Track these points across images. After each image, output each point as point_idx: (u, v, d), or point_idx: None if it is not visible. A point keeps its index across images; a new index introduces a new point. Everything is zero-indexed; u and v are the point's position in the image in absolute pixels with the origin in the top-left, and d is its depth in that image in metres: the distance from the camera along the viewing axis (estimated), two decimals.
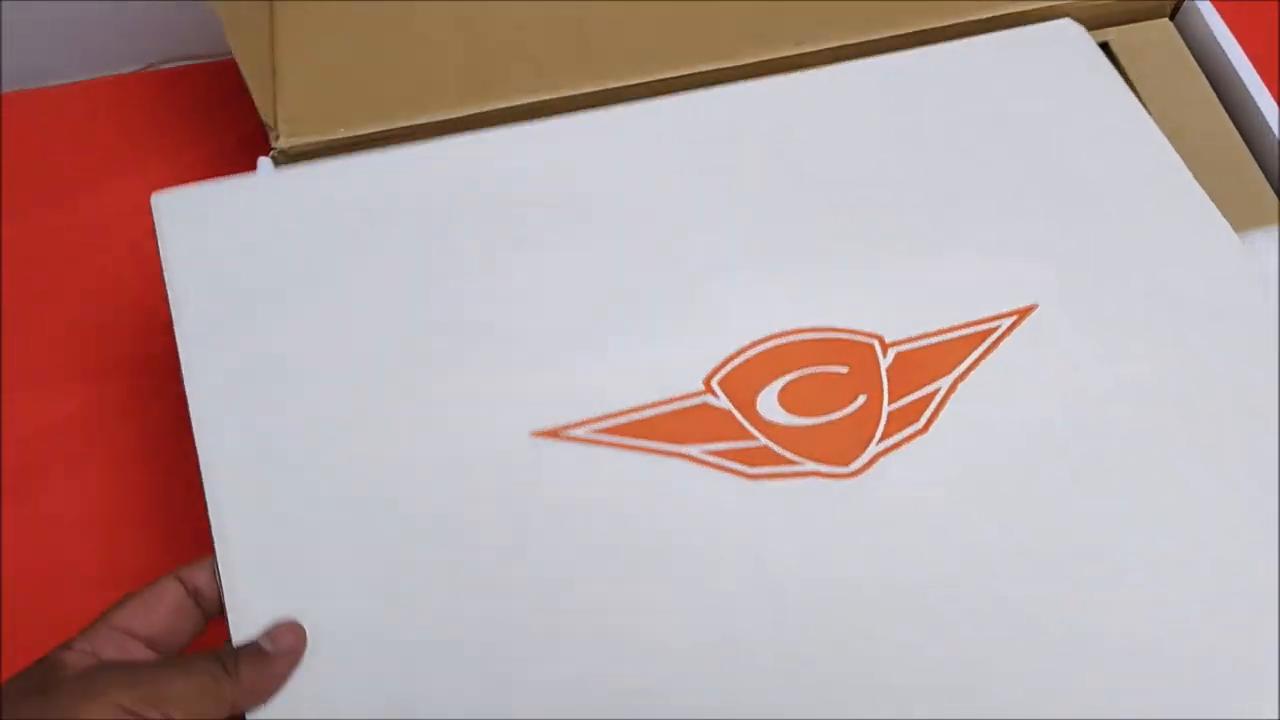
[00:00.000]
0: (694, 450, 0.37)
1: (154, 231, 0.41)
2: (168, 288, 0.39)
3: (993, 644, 0.34)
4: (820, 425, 0.38)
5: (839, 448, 0.38)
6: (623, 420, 0.38)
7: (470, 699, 0.33)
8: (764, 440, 0.38)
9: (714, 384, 0.39)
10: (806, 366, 0.40)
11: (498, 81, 0.48)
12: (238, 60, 0.42)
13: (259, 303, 0.39)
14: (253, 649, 0.32)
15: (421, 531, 0.36)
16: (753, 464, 0.37)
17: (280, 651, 0.32)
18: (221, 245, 0.41)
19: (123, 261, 0.48)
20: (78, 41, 0.50)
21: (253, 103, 0.44)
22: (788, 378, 0.39)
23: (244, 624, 0.33)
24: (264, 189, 0.42)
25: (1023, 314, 0.41)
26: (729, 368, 0.39)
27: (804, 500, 0.37)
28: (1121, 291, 0.42)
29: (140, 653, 0.32)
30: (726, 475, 0.37)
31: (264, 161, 0.44)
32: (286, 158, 0.45)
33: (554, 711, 0.33)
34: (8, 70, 0.50)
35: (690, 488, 0.37)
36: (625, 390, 0.38)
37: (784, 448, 0.38)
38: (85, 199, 0.48)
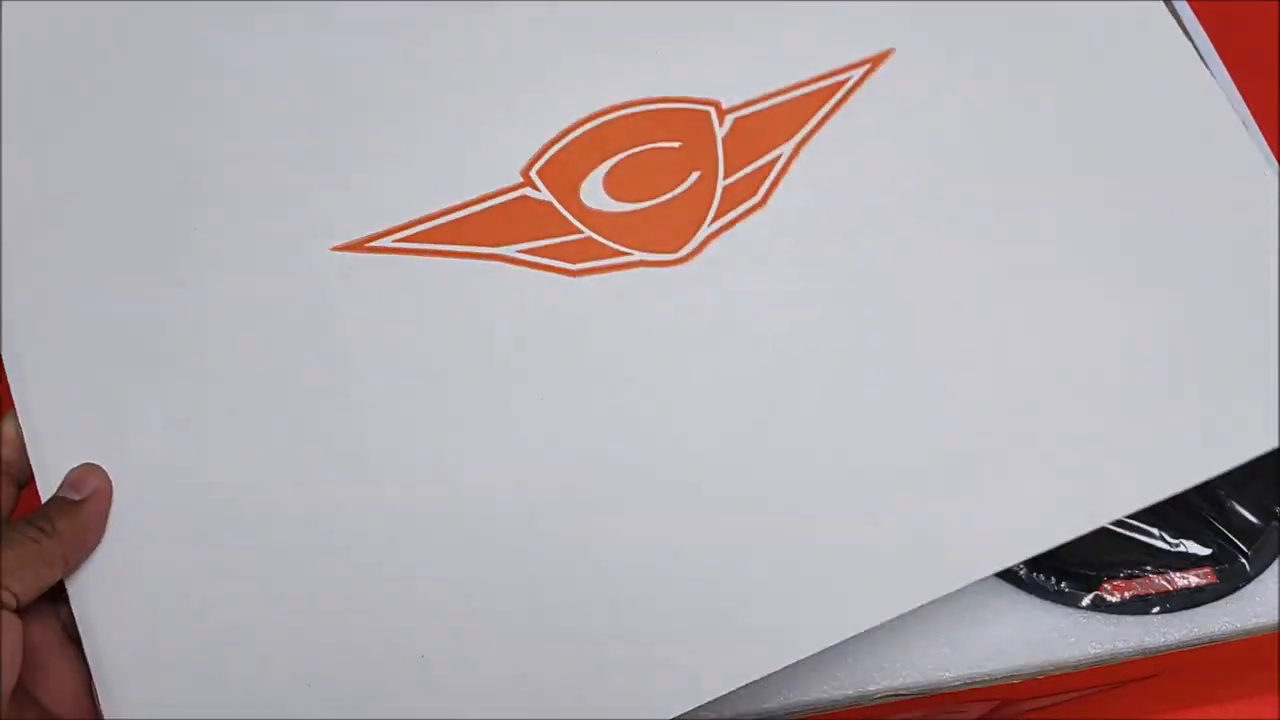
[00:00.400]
0: (511, 250, 0.35)
1: None
2: None
3: (834, 433, 0.33)
4: (648, 209, 0.35)
5: (668, 232, 0.35)
6: (431, 225, 0.35)
7: (290, 527, 0.32)
8: (587, 232, 0.35)
9: (533, 175, 0.35)
10: (635, 145, 0.36)
11: None
12: None
13: (47, 129, 0.35)
14: (59, 502, 0.31)
15: (226, 362, 0.33)
16: (575, 259, 0.35)
17: (87, 495, 0.31)
18: (41, 60, 0.36)
19: None
20: None
21: None
22: (614, 159, 0.36)
23: (54, 480, 0.32)
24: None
25: (876, 62, 0.37)
26: (549, 155, 0.36)
27: (629, 293, 0.34)
28: (990, 30, 0.37)
29: None
30: (547, 274, 0.34)
31: None
32: None
33: (374, 532, 0.32)
34: None
35: (508, 291, 0.34)
36: (433, 190, 0.35)
37: (608, 238, 0.35)
38: None
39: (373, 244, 0.34)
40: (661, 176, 0.36)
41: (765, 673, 0.30)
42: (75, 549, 0.31)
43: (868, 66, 0.37)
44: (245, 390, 0.33)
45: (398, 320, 0.34)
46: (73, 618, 0.31)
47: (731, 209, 0.35)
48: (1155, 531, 0.36)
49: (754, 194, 0.35)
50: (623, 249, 0.35)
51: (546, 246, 0.35)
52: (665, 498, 0.32)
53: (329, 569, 0.32)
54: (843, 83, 0.37)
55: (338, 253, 0.34)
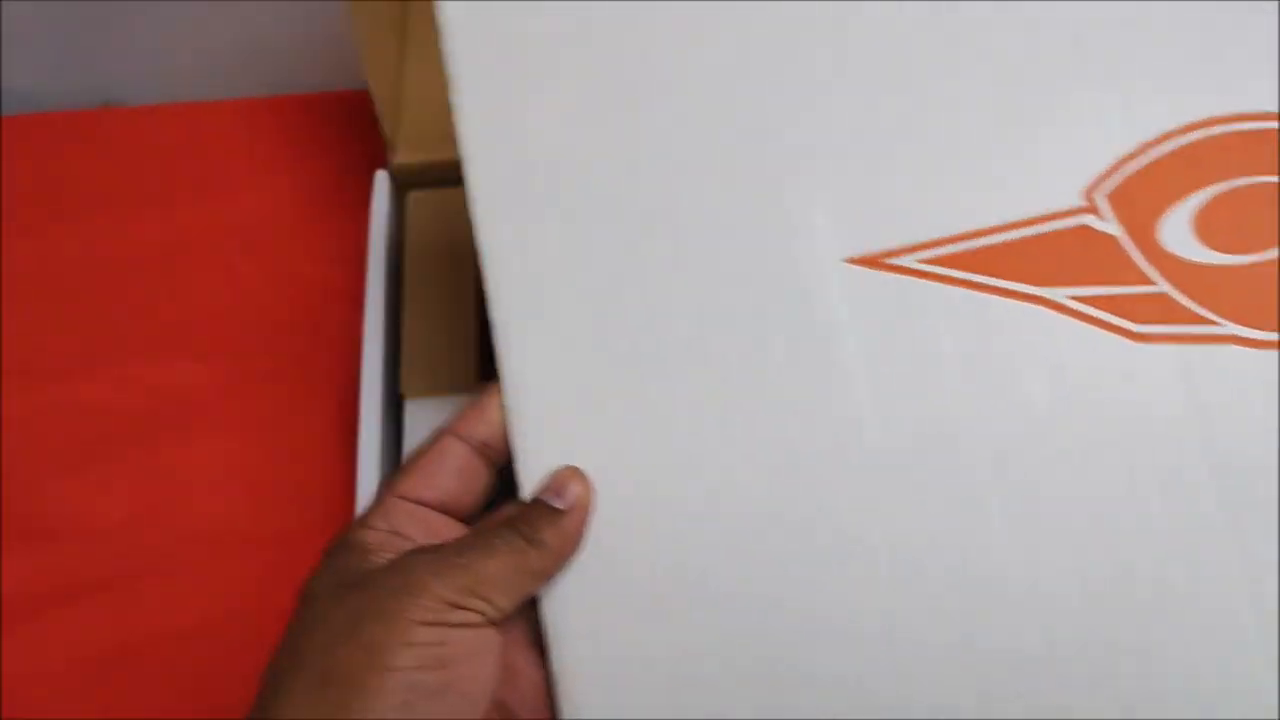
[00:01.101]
0: (1059, 294, 0.28)
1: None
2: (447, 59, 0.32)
3: None
4: (1248, 267, 0.28)
5: (1271, 302, 0.27)
6: (963, 247, 0.29)
7: (767, 550, 0.28)
8: (1163, 285, 0.28)
9: (1098, 198, 0.29)
10: (1239, 175, 0.28)
11: None
12: (369, 82, 0.45)
13: (542, 93, 0.31)
14: (545, 509, 0.29)
15: (716, 368, 0.29)
16: (1142, 319, 0.28)
17: (571, 505, 0.29)
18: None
19: (249, 257, 0.55)
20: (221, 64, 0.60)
21: (363, 130, 0.48)
22: (1209, 190, 0.28)
23: (536, 476, 0.29)
24: None
25: None
26: (1121, 174, 0.29)
27: (1213, 374, 0.27)
28: None
29: (438, 523, 0.29)
30: (1103, 332, 0.28)
31: (381, 175, 0.46)
32: (403, 173, 0.47)
33: (849, 587, 0.28)
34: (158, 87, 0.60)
35: (1051, 345, 0.28)
36: (970, 204, 0.29)
37: (1191, 298, 0.28)
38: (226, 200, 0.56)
39: (891, 260, 0.29)
40: (1270, 223, 0.28)
41: None
42: (555, 563, 0.29)
43: None
44: (732, 400, 0.29)
45: (906, 355, 0.29)
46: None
47: None
48: None
49: None
50: (1209, 315, 0.28)
51: (1107, 297, 0.28)
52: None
53: (802, 597, 0.28)
54: None
55: (852, 265, 0.29)
